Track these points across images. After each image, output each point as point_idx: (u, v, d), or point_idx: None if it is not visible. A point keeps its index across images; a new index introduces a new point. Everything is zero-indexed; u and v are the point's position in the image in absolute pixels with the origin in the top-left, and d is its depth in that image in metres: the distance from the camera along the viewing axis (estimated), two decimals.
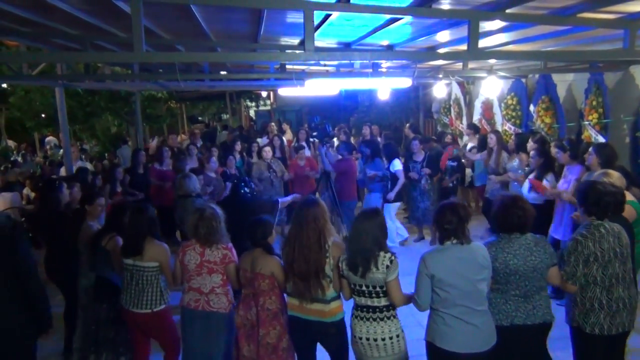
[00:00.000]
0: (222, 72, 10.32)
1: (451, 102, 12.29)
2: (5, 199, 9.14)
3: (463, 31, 4.22)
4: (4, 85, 16.76)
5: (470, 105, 11.65)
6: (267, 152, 8.55)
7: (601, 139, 7.04)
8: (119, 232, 4.28)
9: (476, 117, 10.98)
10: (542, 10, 4.28)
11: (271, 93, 25.50)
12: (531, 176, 6.21)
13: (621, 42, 4.33)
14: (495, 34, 5.36)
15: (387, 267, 3.29)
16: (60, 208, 5.18)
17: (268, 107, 28.38)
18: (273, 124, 13.78)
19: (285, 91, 10.65)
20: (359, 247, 3.34)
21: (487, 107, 10.45)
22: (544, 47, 6.41)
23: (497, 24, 4.89)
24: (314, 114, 15.52)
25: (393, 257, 3.33)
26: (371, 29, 5.60)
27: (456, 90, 11.97)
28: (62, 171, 9.77)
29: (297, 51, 6.70)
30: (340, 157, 8.25)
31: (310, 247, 3.52)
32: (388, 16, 4.79)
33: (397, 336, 3.41)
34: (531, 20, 4.24)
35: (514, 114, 9.31)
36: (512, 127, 9.24)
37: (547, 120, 8.18)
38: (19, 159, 16.08)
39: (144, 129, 16.58)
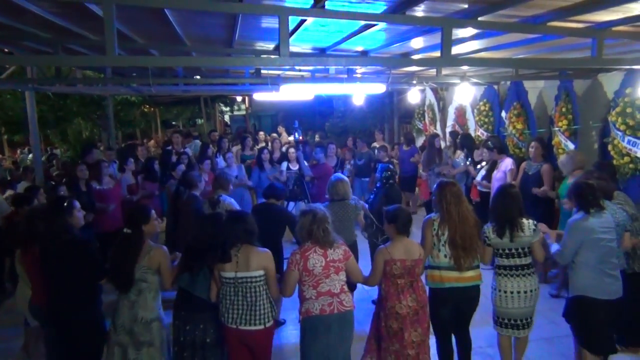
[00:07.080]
0: (197, 77, 10.23)
1: (425, 108, 12.42)
2: None
3: (436, 38, 4.26)
4: None
5: (444, 111, 11.78)
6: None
7: (571, 145, 7.18)
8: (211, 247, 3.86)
9: (450, 123, 11.11)
10: (513, 18, 4.35)
11: (246, 98, 25.39)
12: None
13: (589, 50, 4.45)
14: (468, 41, 5.43)
15: (534, 230, 4.11)
16: (74, 234, 4.25)
17: (243, 112, 28.24)
18: (262, 133, 13.79)
19: (260, 96, 10.60)
20: (507, 216, 4.06)
21: (461, 113, 10.59)
22: (515, 55, 6.52)
23: (470, 31, 4.97)
24: (289, 119, 15.54)
25: (535, 222, 4.16)
26: (346, 34, 5.62)
27: (430, 97, 12.10)
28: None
29: (272, 56, 6.69)
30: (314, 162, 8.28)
31: (468, 219, 4.10)
32: (362, 22, 4.83)
33: (537, 289, 4.20)
34: (503, 28, 4.31)
35: (486, 119, 9.46)
36: (485, 133, 9.38)
37: (519, 126, 8.30)
38: None
39: (116, 133, 16.32)
